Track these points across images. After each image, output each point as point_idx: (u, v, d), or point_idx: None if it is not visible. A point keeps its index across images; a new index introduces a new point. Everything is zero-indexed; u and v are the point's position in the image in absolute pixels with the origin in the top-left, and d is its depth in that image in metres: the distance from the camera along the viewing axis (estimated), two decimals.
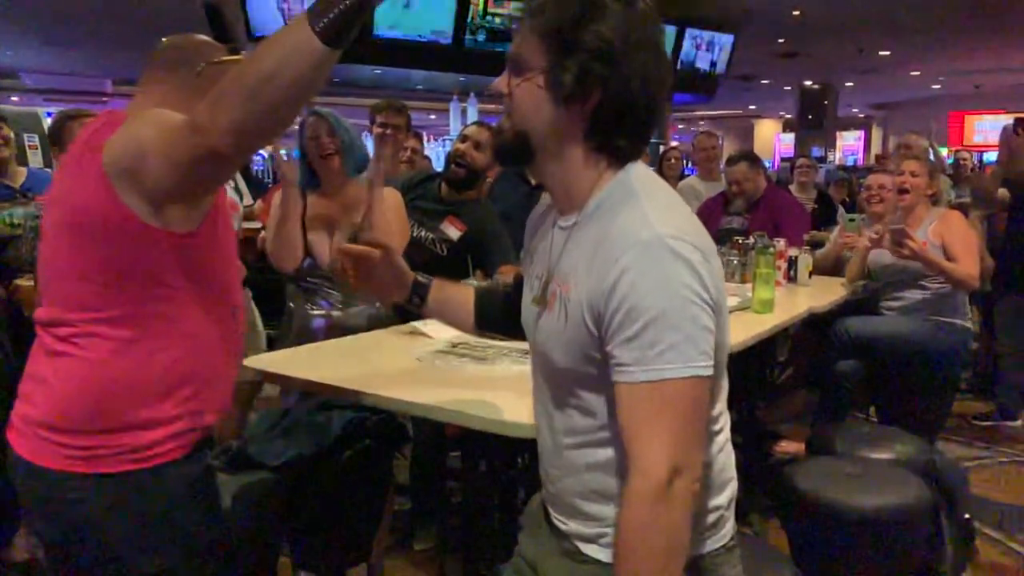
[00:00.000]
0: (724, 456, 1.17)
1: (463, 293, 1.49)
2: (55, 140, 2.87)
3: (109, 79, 12.22)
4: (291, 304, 2.56)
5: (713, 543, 1.14)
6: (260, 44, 1.14)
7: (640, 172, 1.12)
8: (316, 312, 2.50)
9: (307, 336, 2.45)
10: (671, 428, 1.00)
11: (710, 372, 1.03)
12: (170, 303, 1.31)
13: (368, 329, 2.45)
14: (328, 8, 1.07)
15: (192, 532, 1.35)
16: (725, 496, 1.16)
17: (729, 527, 1.18)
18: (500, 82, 1.12)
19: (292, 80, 1.09)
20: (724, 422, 1.18)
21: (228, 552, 1.44)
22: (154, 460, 1.30)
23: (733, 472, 1.19)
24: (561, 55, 1.04)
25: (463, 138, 2.96)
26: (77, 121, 2.60)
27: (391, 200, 2.55)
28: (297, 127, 2.60)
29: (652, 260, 1.00)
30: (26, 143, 3.93)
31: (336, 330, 2.43)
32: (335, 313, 2.50)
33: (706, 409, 1.06)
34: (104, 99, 12.11)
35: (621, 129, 1.08)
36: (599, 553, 1.13)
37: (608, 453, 1.10)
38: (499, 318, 1.44)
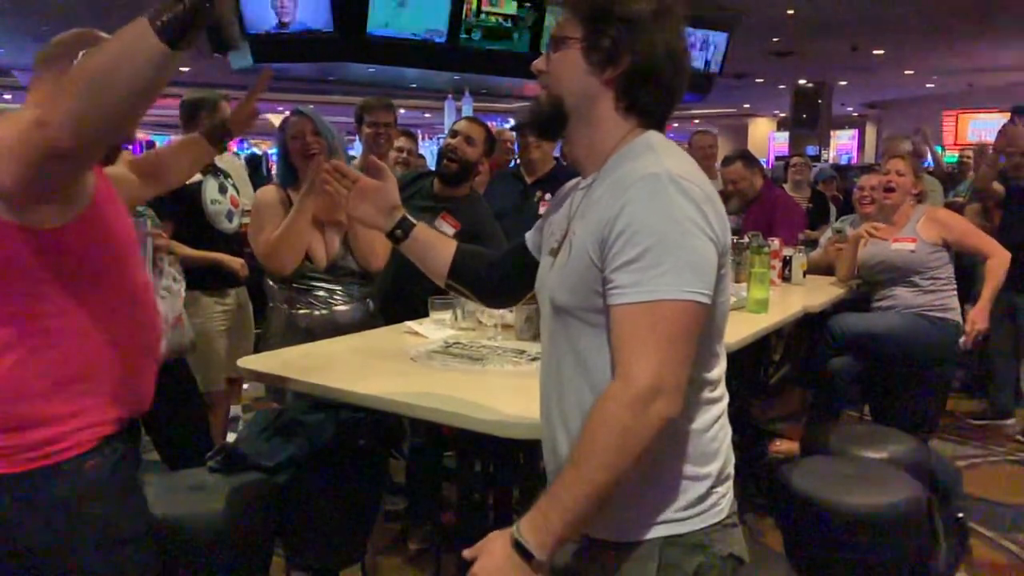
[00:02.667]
0: (718, 427, 1.19)
1: (445, 242, 1.55)
2: None
3: None
4: (280, 304, 2.54)
5: (705, 519, 1.16)
6: (106, 39, 1.14)
7: (659, 137, 1.20)
8: (304, 312, 2.49)
9: (297, 336, 2.44)
10: (660, 347, 1.03)
11: (707, 302, 1.06)
12: (47, 300, 1.28)
13: (357, 327, 2.45)
14: (168, 8, 1.10)
15: (105, 526, 1.34)
16: (715, 466, 1.17)
17: (725, 504, 1.19)
18: (539, 61, 1.23)
19: (129, 77, 1.10)
20: (722, 394, 1.21)
21: (150, 545, 1.42)
22: (54, 457, 1.29)
23: (727, 447, 1.21)
24: (596, 26, 1.16)
25: (453, 133, 2.96)
26: None
27: None
28: (278, 126, 2.60)
29: (657, 190, 1.06)
30: None
31: (326, 329, 2.42)
32: (324, 312, 2.49)
33: (696, 338, 1.07)
34: None
35: (648, 91, 1.17)
36: (600, 533, 1.16)
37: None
38: (474, 276, 1.52)
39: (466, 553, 1.10)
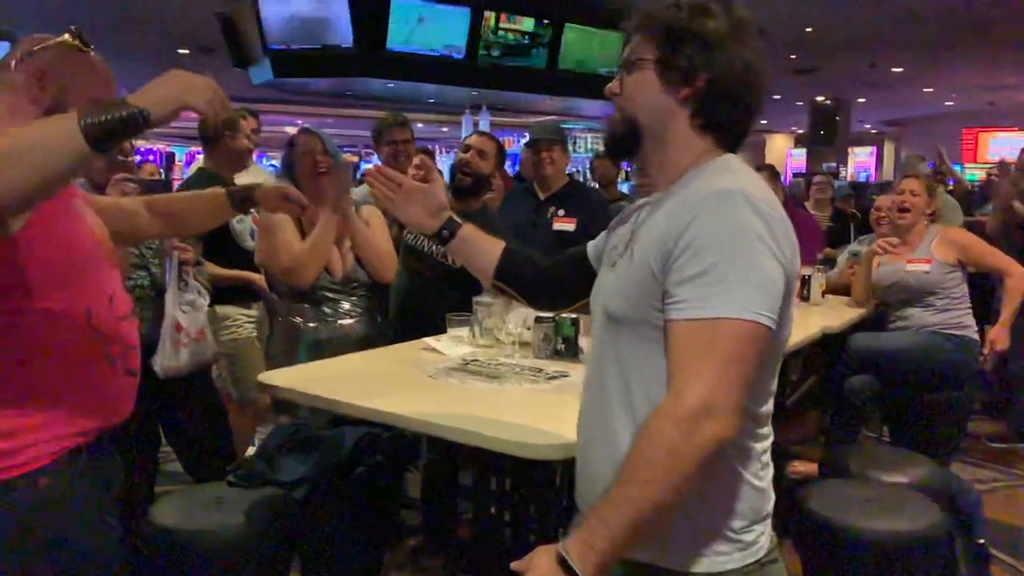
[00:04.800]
0: (764, 464, 1.16)
1: (492, 243, 1.54)
2: None
3: (124, 89, 12.31)
4: (286, 318, 2.55)
5: (745, 557, 1.12)
6: (23, 127, 1.19)
7: (738, 160, 1.19)
8: (312, 325, 2.50)
9: (303, 349, 2.46)
10: (715, 366, 1.00)
11: (771, 325, 1.02)
12: None
13: (364, 341, 2.46)
14: (101, 111, 1.15)
15: (53, 544, 1.32)
16: (759, 503, 1.14)
17: (764, 540, 1.16)
18: (613, 84, 1.23)
19: (42, 163, 1.14)
20: (770, 432, 1.17)
21: (103, 564, 1.40)
22: (5, 473, 1.28)
23: (769, 484, 1.17)
24: (671, 45, 1.15)
25: (466, 148, 2.99)
26: None
27: (375, 217, 2.61)
28: (285, 144, 2.63)
29: (728, 205, 1.04)
30: None
31: (332, 342, 2.44)
32: (331, 325, 2.51)
33: (757, 361, 1.03)
34: None
35: (724, 108, 1.16)
36: (646, 556, 1.13)
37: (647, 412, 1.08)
38: (521, 278, 1.52)
39: (514, 566, 1.08)
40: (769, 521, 1.18)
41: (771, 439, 1.18)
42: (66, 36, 1.42)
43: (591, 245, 1.45)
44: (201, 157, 3.50)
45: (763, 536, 1.16)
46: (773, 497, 1.19)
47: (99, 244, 1.45)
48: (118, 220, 1.65)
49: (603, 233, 1.42)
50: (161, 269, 2.34)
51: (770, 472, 1.18)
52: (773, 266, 1.03)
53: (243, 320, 3.21)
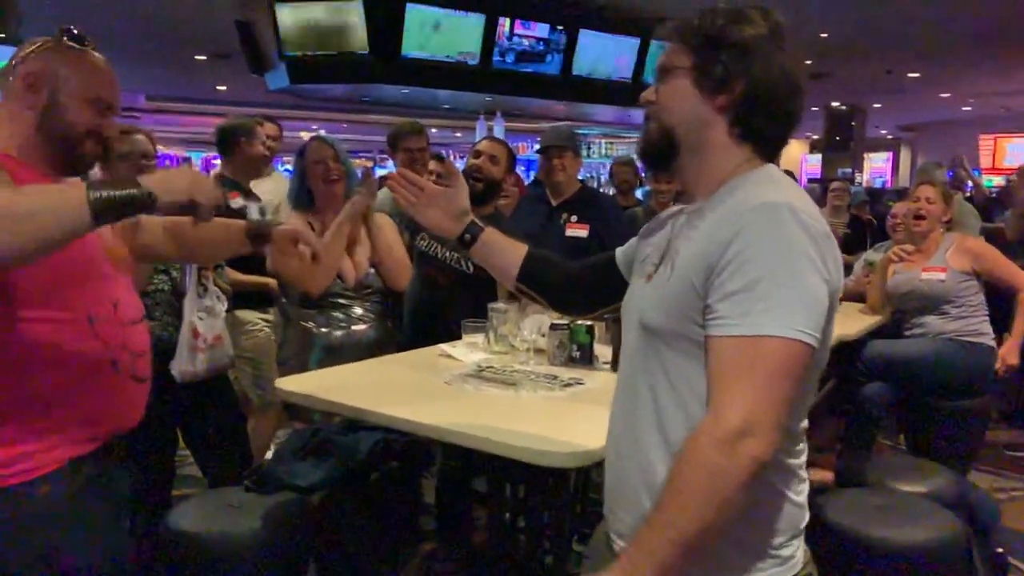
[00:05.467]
0: (801, 480, 1.14)
1: (515, 246, 1.54)
2: (103, 156, 2.81)
3: (142, 94, 12.44)
4: (298, 323, 2.57)
5: (781, 573, 1.11)
6: (35, 186, 1.22)
7: (779, 171, 1.16)
8: (324, 330, 2.52)
9: (315, 354, 2.48)
10: (757, 385, 0.97)
11: (815, 344, 0.99)
12: None
13: (375, 346, 2.47)
14: (112, 187, 1.17)
15: (48, 554, 1.32)
16: (797, 519, 1.13)
17: (800, 555, 1.14)
18: (648, 92, 1.21)
19: (44, 228, 1.16)
20: (804, 447, 1.15)
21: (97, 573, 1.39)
22: (5, 481, 1.28)
23: (805, 500, 1.15)
24: (708, 52, 1.13)
25: (476, 153, 3.01)
26: (124, 138, 2.52)
27: (387, 224, 2.63)
28: (297, 152, 2.65)
29: (775, 220, 1.01)
30: None
31: (344, 347, 2.46)
32: (343, 330, 2.53)
33: (800, 381, 1.01)
34: (137, 114, 12.34)
35: (763, 116, 1.13)
36: None
37: (682, 429, 1.06)
38: (544, 282, 1.50)
39: None
40: (803, 535, 1.17)
41: (806, 453, 1.16)
42: (57, 35, 1.43)
43: (620, 252, 1.43)
44: (220, 163, 3.52)
45: (799, 550, 1.15)
46: (808, 511, 1.17)
47: (105, 251, 1.45)
48: (131, 234, 1.64)
49: (633, 240, 1.40)
50: (181, 274, 2.36)
51: (806, 487, 1.16)
52: (818, 283, 1.01)
53: (262, 324, 3.24)
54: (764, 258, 0.99)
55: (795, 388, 1.00)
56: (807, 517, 1.16)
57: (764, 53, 1.11)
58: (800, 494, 1.14)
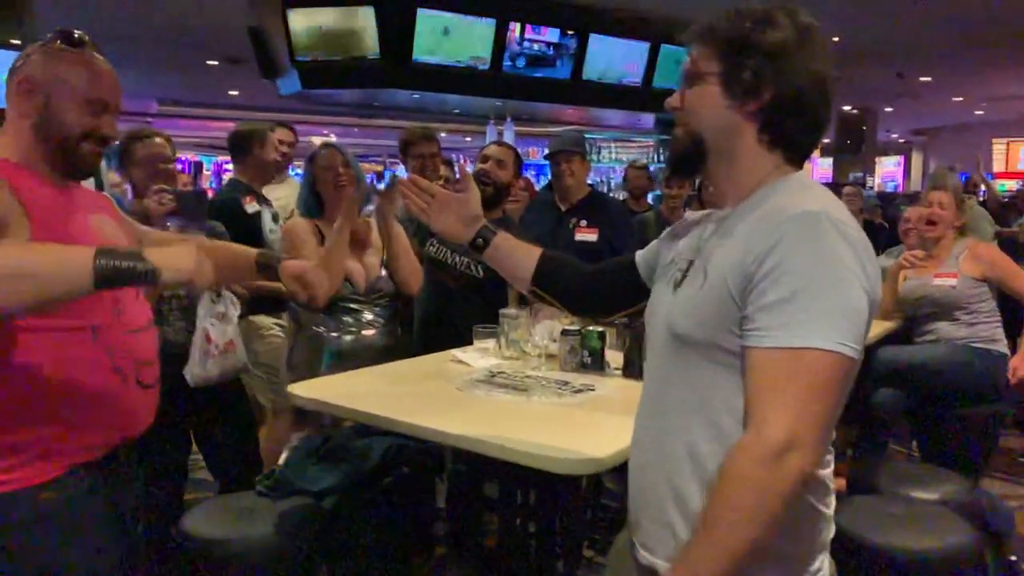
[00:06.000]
0: (829, 489, 1.13)
1: (529, 250, 1.53)
2: (121, 162, 2.72)
3: (154, 100, 12.53)
4: (309, 328, 2.58)
5: None
6: (45, 244, 1.22)
7: (809, 178, 1.15)
8: (333, 335, 2.53)
9: (324, 359, 2.49)
10: (800, 398, 0.96)
11: (856, 356, 0.98)
12: None
13: (385, 351, 2.48)
14: (118, 257, 1.18)
15: (45, 561, 1.32)
16: (826, 531, 1.12)
17: (827, 568, 1.13)
18: (673, 98, 1.19)
19: (45, 287, 1.17)
20: (831, 459, 1.14)
21: None
22: (6, 486, 1.29)
23: (832, 511, 1.14)
24: (736, 58, 1.10)
25: (484, 158, 3.03)
26: (141, 142, 2.55)
27: (399, 229, 2.64)
28: (307, 158, 2.67)
29: (814, 230, 0.99)
30: None
31: (354, 352, 2.47)
32: (352, 335, 2.53)
33: (841, 394, 0.99)
34: (149, 119, 12.42)
35: (793, 122, 1.12)
36: None
37: (718, 445, 1.05)
38: (560, 284, 1.49)
39: None
40: (827, 550, 1.15)
41: (832, 465, 1.15)
42: (51, 39, 1.42)
43: (640, 255, 1.42)
44: (233, 168, 3.54)
45: (826, 563, 1.14)
46: (833, 524, 1.15)
47: None
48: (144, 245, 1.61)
49: (653, 243, 1.38)
50: None
51: (833, 499, 1.15)
52: (859, 294, 0.99)
53: (276, 329, 3.25)
54: (805, 268, 0.98)
55: (836, 401, 0.99)
56: (833, 530, 1.15)
57: (793, 57, 1.09)
58: (829, 506, 1.13)
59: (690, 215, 1.31)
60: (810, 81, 1.10)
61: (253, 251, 1.79)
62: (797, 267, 0.98)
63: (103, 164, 4.04)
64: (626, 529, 1.29)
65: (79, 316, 1.35)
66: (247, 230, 3.03)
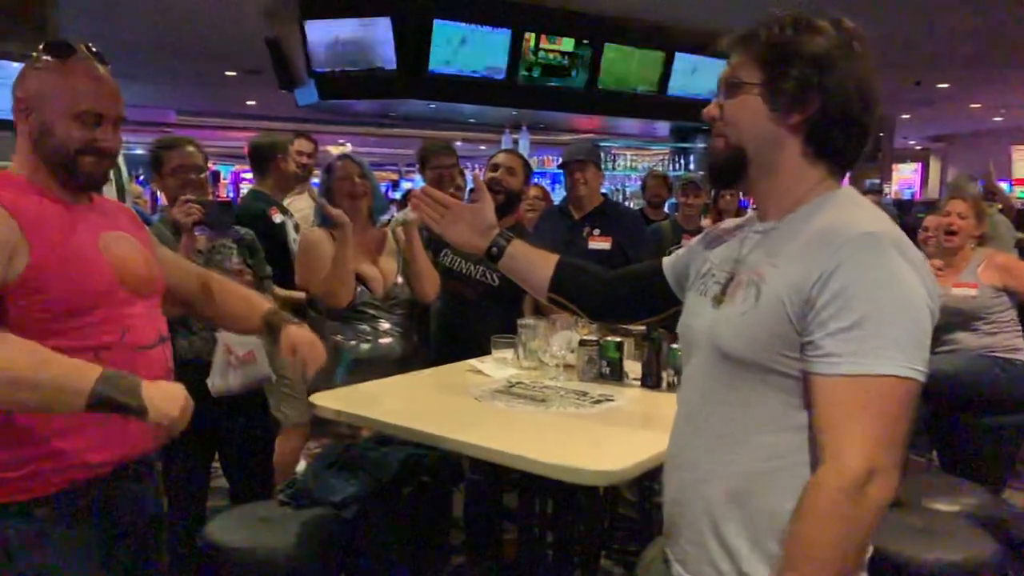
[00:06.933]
0: None
1: (545, 257, 1.52)
2: (153, 170, 2.70)
3: (173, 110, 12.67)
4: (328, 336, 2.60)
5: None
6: (53, 356, 1.22)
7: (855, 192, 1.12)
8: (351, 343, 2.55)
9: (342, 368, 2.51)
10: (875, 427, 0.95)
11: (923, 379, 0.97)
12: None
13: (402, 360, 2.50)
14: (116, 391, 1.20)
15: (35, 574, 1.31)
16: (870, 548, 1.11)
17: None
18: (711, 108, 1.15)
19: (40, 399, 1.20)
20: None
21: None
22: (2, 498, 1.29)
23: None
24: (779, 67, 1.07)
25: (494, 167, 3.06)
26: (172, 151, 2.55)
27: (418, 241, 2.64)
28: (323, 169, 2.69)
29: (878, 253, 0.98)
30: None
31: (371, 361, 2.49)
32: (369, 344, 2.55)
33: (911, 416, 0.98)
34: (167, 129, 12.57)
35: (839, 134, 1.08)
36: None
37: (764, 464, 1.04)
38: (579, 291, 1.48)
39: None
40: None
41: None
42: (38, 53, 1.39)
43: (667, 263, 1.39)
44: (255, 179, 3.56)
45: None
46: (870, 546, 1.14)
47: (119, 279, 1.41)
48: (168, 273, 1.61)
49: (681, 251, 1.37)
50: None
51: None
52: (925, 316, 0.99)
53: None
54: (872, 293, 0.96)
55: (908, 424, 0.99)
56: (871, 549, 1.14)
57: (838, 65, 1.05)
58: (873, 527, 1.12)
59: (726, 223, 1.29)
60: (856, 90, 1.06)
61: (266, 306, 1.76)
62: (864, 292, 0.96)
63: (125, 174, 4.10)
64: (656, 543, 1.28)
65: (84, 338, 1.34)
66: (275, 242, 3.06)
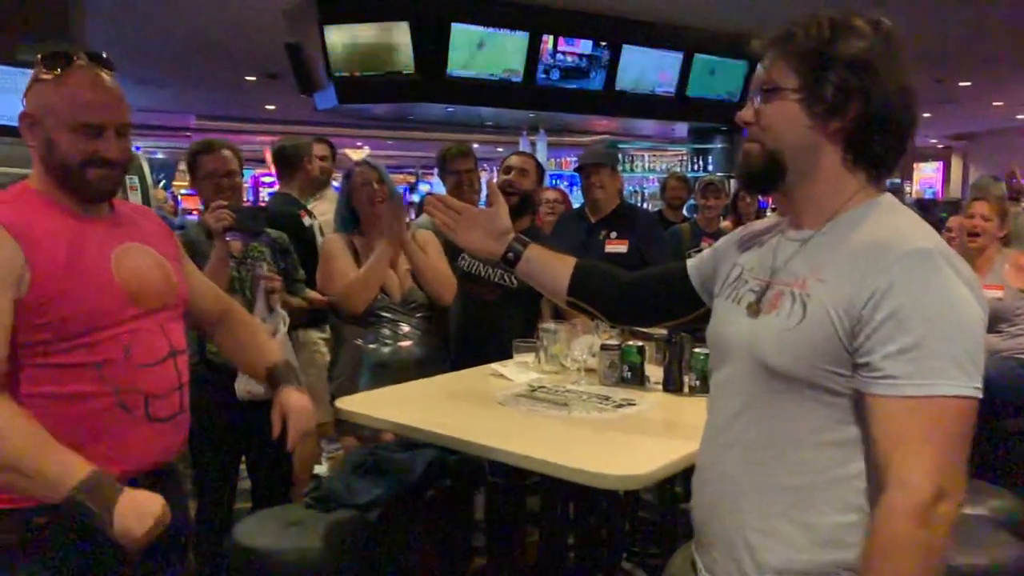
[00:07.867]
0: None
1: (562, 260, 1.51)
2: (190, 174, 2.71)
3: (193, 115, 12.79)
4: (351, 340, 2.63)
5: None
6: (45, 443, 1.23)
7: (895, 200, 1.10)
8: (372, 347, 2.57)
9: (365, 371, 2.54)
10: (940, 447, 0.94)
11: (981, 396, 0.96)
12: None
13: (424, 363, 2.52)
14: (94, 500, 1.19)
15: None
16: None
17: None
18: (745, 112, 1.12)
19: (16, 482, 1.21)
20: None
21: None
22: (2, 504, 1.29)
23: None
24: (817, 71, 1.03)
25: (507, 169, 3.08)
26: (207, 155, 2.55)
27: (431, 242, 2.68)
28: (343, 175, 2.72)
29: (931, 270, 0.96)
30: (127, 184, 4.09)
31: (393, 364, 2.52)
32: (391, 347, 2.57)
33: (971, 436, 0.97)
34: (187, 134, 12.68)
35: (880, 140, 1.05)
36: None
37: (801, 478, 1.03)
38: (597, 293, 1.46)
39: None
40: None
41: None
42: (37, 66, 1.37)
43: (692, 265, 1.37)
44: (280, 182, 3.60)
45: None
46: None
47: (129, 295, 1.39)
48: (193, 295, 1.59)
49: (705, 253, 1.35)
50: (252, 296, 2.42)
51: None
52: (980, 331, 0.97)
53: (321, 343, 3.28)
54: (929, 312, 0.95)
55: (970, 441, 0.98)
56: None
57: (878, 69, 1.02)
58: None
59: (754, 226, 1.26)
60: (897, 94, 1.03)
61: (274, 358, 1.71)
62: (920, 312, 0.95)
63: (150, 180, 4.15)
64: (683, 549, 1.29)
65: (86, 355, 1.33)
66: (306, 245, 3.09)
